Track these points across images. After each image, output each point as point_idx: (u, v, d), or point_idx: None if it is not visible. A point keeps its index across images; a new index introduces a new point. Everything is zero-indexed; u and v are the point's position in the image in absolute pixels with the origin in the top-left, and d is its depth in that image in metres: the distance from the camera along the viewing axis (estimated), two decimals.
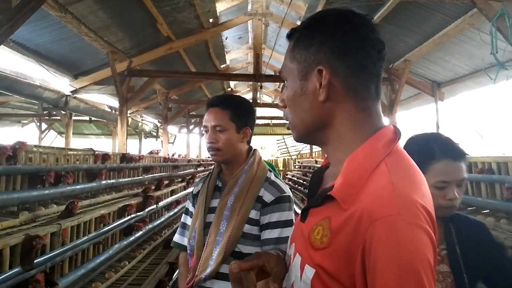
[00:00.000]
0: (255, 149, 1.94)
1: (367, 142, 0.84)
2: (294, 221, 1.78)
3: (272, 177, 1.84)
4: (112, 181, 4.60)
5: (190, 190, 5.06)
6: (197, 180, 3.28)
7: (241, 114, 1.88)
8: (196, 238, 1.78)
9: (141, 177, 5.72)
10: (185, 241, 1.95)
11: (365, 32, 0.86)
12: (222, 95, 2.03)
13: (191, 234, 1.84)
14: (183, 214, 2.05)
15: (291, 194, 1.83)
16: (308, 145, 20.44)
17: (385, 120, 0.91)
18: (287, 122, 0.96)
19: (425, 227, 0.72)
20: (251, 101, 14.14)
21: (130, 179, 5.25)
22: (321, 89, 0.85)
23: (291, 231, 1.71)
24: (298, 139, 0.96)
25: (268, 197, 1.74)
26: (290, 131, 0.96)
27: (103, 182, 4.35)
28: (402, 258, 0.68)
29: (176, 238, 2.03)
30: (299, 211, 1.79)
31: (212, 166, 2.02)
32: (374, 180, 0.78)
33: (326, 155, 1.00)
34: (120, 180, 4.87)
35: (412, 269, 0.68)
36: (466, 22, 5.88)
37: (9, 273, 2.24)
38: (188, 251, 1.85)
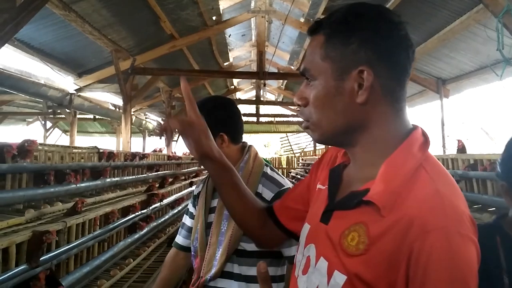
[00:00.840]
0: (250, 145, 1.89)
1: (403, 146, 0.82)
2: None
3: (269, 171, 1.81)
4: (116, 179, 4.61)
5: (193, 188, 5.07)
6: (200, 178, 3.27)
7: (210, 125, 1.76)
8: (199, 239, 1.77)
9: (145, 175, 5.73)
10: (185, 243, 1.95)
11: (405, 32, 0.84)
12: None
13: (193, 236, 1.82)
14: (185, 215, 2.04)
15: (290, 185, 1.78)
16: (312, 143, 20.46)
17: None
18: (306, 121, 0.91)
19: (474, 238, 0.72)
20: (254, 98, 14.20)
21: (134, 177, 5.26)
22: (361, 90, 0.81)
23: None
24: (321, 140, 0.91)
25: (267, 194, 1.71)
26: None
27: (108, 180, 4.36)
28: (456, 271, 0.68)
29: (178, 239, 2.02)
30: None
31: None
32: (418, 188, 0.76)
33: (343, 152, 0.97)
34: (125, 178, 4.88)
35: (464, 283, 0.68)
36: (471, 18, 5.85)
37: (15, 271, 2.24)
38: (192, 253, 1.84)
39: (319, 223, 0.90)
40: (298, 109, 0.93)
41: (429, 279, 0.68)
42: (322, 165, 1.09)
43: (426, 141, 0.84)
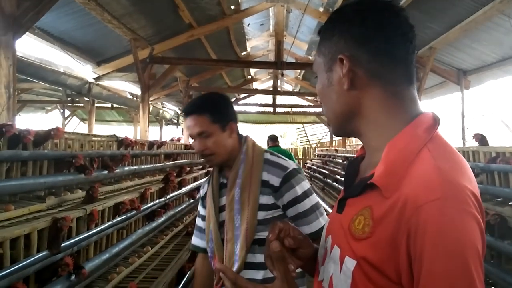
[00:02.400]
0: (245, 136, 1.89)
1: (406, 128, 0.82)
2: (311, 188, 1.78)
3: (269, 156, 1.80)
4: (134, 167, 4.65)
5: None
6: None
7: (220, 112, 1.81)
8: (214, 240, 1.77)
9: (163, 163, 5.76)
10: (202, 244, 1.95)
11: (385, 17, 0.85)
12: (193, 101, 1.93)
13: (208, 237, 1.82)
14: (197, 218, 2.05)
15: (295, 165, 1.78)
16: (328, 134, 20.37)
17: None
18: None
19: (474, 213, 0.70)
20: (271, 89, 14.19)
21: (152, 165, 5.29)
22: (343, 77, 0.86)
23: (312, 199, 1.72)
24: (335, 132, 0.97)
25: (274, 180, 1.71)
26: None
27: (126, 168, 4.40)
28: (450, 246, 0.66)
29: (194, 240, 2.02)
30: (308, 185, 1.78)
31: None
32: (418, 166, 0.76)
33: (361, 146, 0.98)
34: (143, 166, 4.92)
35: (460, 257, 0.66)
36: (495, 9, 5.72)
37: (37, 256, 2.27)
38: (209, 254, 1.84)
39: (336, 214, 0.92)
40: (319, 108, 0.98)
41: (425, 254, 0.67)
42: None
43: (434, 123, 0.84)
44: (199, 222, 2.01)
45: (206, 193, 1.93)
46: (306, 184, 1.76)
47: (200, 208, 2.02)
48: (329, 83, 0.89)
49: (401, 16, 0.86)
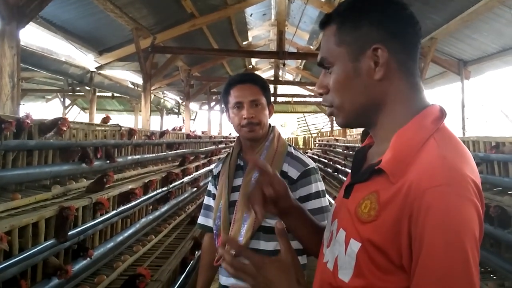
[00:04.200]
0: (273, 126, 1.94)
1: (416, 118, 0.85)
2: (325, 190, 1.81)
3: (293, 151, 1.85)
4: (137, 156, 4.68)
5: (212, 167, 5.11)
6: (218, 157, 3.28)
7: (267, 90, 1.91)
8: (222, 217, 1.79)
9: (165, 153, 5.80)
10: (209, 222, 1.96)
11: (409, 11, 0.89)
12: (247, 73, 2.01)
13: (216, 215, 1.84)
14: (206, 196, 2.06)
15: (314, 165, 1.83)
16: (329, 123, 20.36)
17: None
18: (330, 107, 0.95)
19: (475, 201, 0.73)
20: (272, 78, 14.14)
21: (155, 155, 5.33)
22: (378, 67, 0.86)
23: (323, 201, 1.74)
24: (346, 123, 0.96)
25: (293, 173, 1.75)
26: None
27: (129, 157, 4.44)
28: (450, 229, 0.69)
29: (201, 219, 2.04)
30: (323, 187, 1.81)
31: (233, 144, 2.03)
32: (424, 154, 0.79)
33: (369, 135, 1.00)
34: (145, 155, 4.95)
35: (458, 241, 0.69)
36: (496, 0, 5.70)
37: (45, 244, 2.31)
38: (214, 231, 1.86)
39: (342, 199, 0.95)
40: (321, 98, 0.99)
41: (425, 237, 0.70)
42: None
43: (441, 115, 0.87)
44: (208, 201, 2.02)
45: (219, 172, 1.96)
46: (321, 185, 1.79)
47: (210, 187, 2.03)
48: (356, 73, 0.88)
49: (413, 12, 0.90)
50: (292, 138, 25.16)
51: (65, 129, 2.96)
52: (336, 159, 10.47)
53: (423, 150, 0.80)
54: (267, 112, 1.87)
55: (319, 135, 23.02)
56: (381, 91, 0.88)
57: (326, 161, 11.43)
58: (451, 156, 0.78)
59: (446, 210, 0.70)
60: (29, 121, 2.69)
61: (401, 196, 0.76)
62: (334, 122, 1.08)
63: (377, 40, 0.86)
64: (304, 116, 25.05)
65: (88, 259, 2.77)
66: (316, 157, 13.29)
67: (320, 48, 0.97)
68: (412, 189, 0.74)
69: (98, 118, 10.89)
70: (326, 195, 1.82)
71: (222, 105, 2.00)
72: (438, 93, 11.72)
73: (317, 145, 17.48)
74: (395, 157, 0.82)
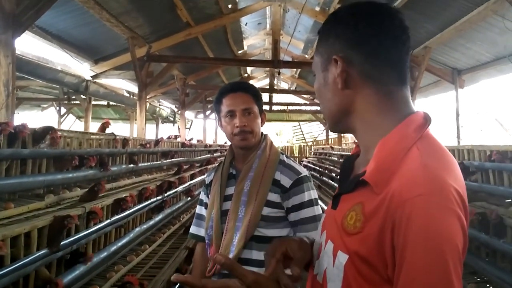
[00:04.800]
0: (265, 134, 1.94)
1: (398, 127, 0.85)
2: (318, 199, 1.80)
3: (286, 159, 1.85)
4: (132, 165, 4.66)
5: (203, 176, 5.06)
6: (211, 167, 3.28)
7: (259, 99, 1.91)
8: (214, 227, 1.78)
9: (160, 161, 5.79)
10: (201, 232, 1.95)
11: (378, 20, 0.88)
12: (239, 82, 2.02)
13: (208, 224, 1.84)
14: (198, 206, 2.05)
15: (307, 173, 1.83)
16: (324, 132, 20.39)
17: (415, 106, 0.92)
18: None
19: (457, 211, 0.72)
20: (268, 87, 14.17)
21: (149, 163, 5.31)
22: (338, 77, 0.89)
23: (315, 210, 1.74)
24: (331, 128, 1.01)
25: (286, 181, 1.74)
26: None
27: (124, 166, 4.42)
28: (431, 241, 0.68)
29: (193, 229, 2.02)
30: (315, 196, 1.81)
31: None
32: (406, 163, 0.78)
33: (357, 143, 1.01)
34: (140, 164, 4.94)
35: (439, 253, 0.68)
36: (489, 9, 5.76)
37: (37, 254, 2.29)
38: (206, 241, 1.85)
39: (330, 210, 0.95)
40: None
41: (406, 249, 0.69)
42: None
43: (425, 122, 0.86)
44: (200, 210, 2.01)
45: (211, 181, 1.95)
46: (314, 193, 1.79)
47: (203, 196, 2.03)
48: (325, 82, 0.93)
49: (396, 19, 0.88)
50: (288, 146, 25.16)
51: (58, 141, 2.96)
52: (331, 167, 10.47)
53: (406, 159, 0.79)
54: (259, 120, 1.87)
55: (314, 143, 23.04)
56: (347, 100, 0.91)
57: (321, 169, 11.43)
58: (433, 164, 0.77)
59: (427, 221, 0.69)
60: (26, 131, 2.69)
61: (384, 206, 0.75)
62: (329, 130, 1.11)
63: (338, 51, 0.89)
64: (300, 125, 25.07)
65: (86, 264, 2.76)
66: (311, 165, 13.29)
67: None
68: (394, 199, 0.73)
69: (93, 126, 10.90)
70: (320, 203, 1.82)
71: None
72: (432, 102, 11.78)
73: (312, 153, 17.49)
74: (378, 168, 0.81)
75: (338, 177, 1.03)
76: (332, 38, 0.91)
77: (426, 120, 0.87)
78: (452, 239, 0.70)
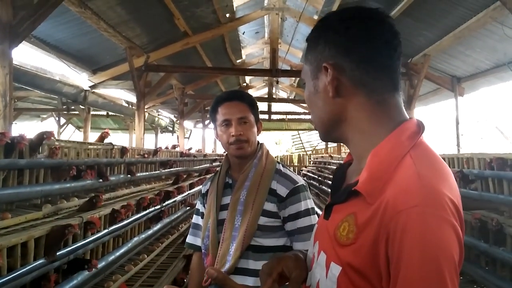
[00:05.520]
0: (261, 143, 1.93)
1: (390, 135, 0.83)
2: (315, 208, 1.79)
3: (282, 168, 1.84)
4: (129, 175, 4.64)
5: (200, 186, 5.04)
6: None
7: (255, 108, 1.91)
8: (210, 236, 1.77)
9: (159, 171, 5.77)
10: (198, 242, 1.93)
11: (368, 25, 0.86)
12: (235, 90, 2.02)
13: (204, 234, 1.83)
14: (194, 215, 2.04)
15: (304, 182, 1.82)
16: (323, 141, 20.38)
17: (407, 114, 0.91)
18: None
19: (452, 221, 0.70)
20: (266, 96, 14.21)
21: (148, 173, 5.30)
22: (328, 85, 0.87)
23: (312, 219, 1.72)
24: (322, 138, 0.99)
25: (282, 190, 1.74)
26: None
27: (122, 176, 4.40)
28: (427, 253, 0.67)
29: (189, 239, 2.02)
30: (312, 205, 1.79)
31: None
32: (400, 173, 0.77)
33: (349, 152, 0.99)
34: (138, 174, 4.92)
35: (434, 265, 0.67)
36: (488, 16, 5.78)
37: (34, 265, 2.27)
38: (203, 251, 1.84)
39: (323, 220, 0.93)
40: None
41: (402, 258, 0.68)
42: None
43: (418, 130, 0.85)
44: (197, 219, 2.00)
45: (207, 190, 1.94)
46: (311, 203, 1.78)
47: (199, 205, 2.02)
48: (315, 90, 0.91)
49: (386, 24, 0.86)
50: (287, 155, 25.16)
51: (58, 153, 2.96)
52: (330, 176, 10.45)
53: (399, 168, 0.77)
54: (255, 129, 1.87)
55: (313, 152, 23.04)
56: (339, 108, 0.88)
57: (320, 178, 11.41)
58: (428, 174, 0.75)
59: (422, 232, 0.68)
60: (25, 142, 2.69)
61: (377, 217, 0.73)
62: None
63: (328, 59, 0.87)
64: (299, 134, 25.08)
65: (91, 271, 2.75)
66: (311, 174, 13.27)
67: None
68: (388, 209, 0.72)
69: (92, 137, 10.91)
70: (318, 212, 1.81)
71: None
72: (432, 110, 11.81)
73: (311, 162, 17.48)
74: (371, 177, 0.79)
75: (331, 186, 1.00)
76: (321, 45, 0.89)
77: (420, 127, 0.86)
78: (448, 250, 0.68)
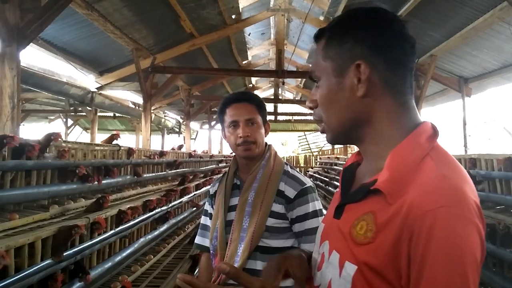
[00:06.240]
0: (269, 144, 1.94)
1: (410, 136, 0.84)
2: (322, 210, 1.78)
3: (290, 170, 1.85)
4: (135, 177, 4.66)
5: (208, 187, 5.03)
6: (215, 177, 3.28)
7: (263, 109, 1.91)
8: (218, 237, 1.78)
9: (165, 172, 5.78)
10: (206, 242, 1.94)
11: (398, 27, 0.87)
12: (242, 92, 2.03)
13: (212, 234, 1.84)
14: (203, 216, 2.05)
15: (311, 183, 1.83)
16: (331, 144, 20.34)
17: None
18: (321, 122, 0.95)
19: (477, 223, 0.71)
20: (272, 97, 14.22)
21: (154, 174, 5.31)
22: (360, 84, 0.85)
23: (320, 221, 1.72)
24: (333, 139, 0.95)
25: (290, 192, 1.74)
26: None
27: (128, 177, 4.42)
28: (453, 254, 0.68)
29: (198, 239, 2.03)
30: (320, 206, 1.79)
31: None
32: (423, 173, 0.77)
33: (353, 152, 1.00)
34: (145, 175, 4.94)
35: (460, 265, 0.67)
36: (495, 16, 5.75)
37: (41, 265, 2.29)
38: (211, 251, 1.85)
39: (332, 219, 0.92)
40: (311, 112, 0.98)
41: (427, 258, 0.68)
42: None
43: (434, 133, 0.86)
44: (205, 220, 2.01)
45: (216, 191, 1.95)
46: (318, 204, 1.78)
47: (207, 206, 2.03)
48: (339, 88, 0.88)
49: (407, 28, 0.88)
50: (293, 156, 25.13)
51: (66, 155, 2.99)
52: (337, 177, 10.43)
53: (421, 170, 0.78)
54: (263, 131, 1.87)
55: (320, 153, 23.00)
56: (365, 108, 0.87)
57: (327, 179, 11.40)
58: (451, 175, 0.76)
59: (449, 233, 0.68)
60: (35, 152, 2.72)
61: (400, 217, 0.73)
62: None
63: (360, 57, 0.85)
64: (305, 135, 25.04)
65: (85, 284, 2.75)
66: (317, 175, 13.25)
67: (311, 63, 0.97)
68: (413, 210, 0.72)
69: (100, 138, 10.97)
70: (323, 216, 1.81)
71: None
72: (439, 111, 11.76)
73: (318, 163, 17.45)
74: (393, 177, 0.79)
75: (340, 186, 0.98)
76: (349, 42, 0.87)
77: (435, 131, 0.86)
78: (473, 252, 0.69)
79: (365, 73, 0.84)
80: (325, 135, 0.96)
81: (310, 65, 0.98)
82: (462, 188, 0.74)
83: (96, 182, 3.50)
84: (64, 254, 2.47)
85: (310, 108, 0.96)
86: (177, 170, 6.23)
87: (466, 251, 0.68)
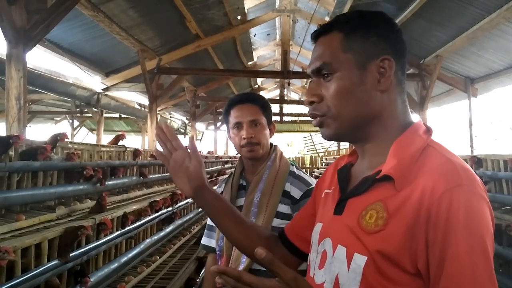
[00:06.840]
0: (275, 145, 1.94)
1: (409, 129, 0.89)
2: None
3: (295, 170, 1.84)
4: (141, 178, 4.67)
5: (216, 187, 5.02)
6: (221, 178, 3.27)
7: (268, 110, 1.90)
8: (225, 238, 1.78)
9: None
10: (212, 243, 1.94)
11: (400, 32, 0.93)
12: (247, 93, 2.02)
13: (218, 235, 1.84)
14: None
15: None
16: (336, 143, 20.31)
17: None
18: (321, 116, 0.92)
19: (486, 198, 0.76)
20: (278, 98, 14.21)
21: (160, 175, 5.32)
22: (383, 78, 0.88)
23: None
24: (337, 133, 0.93)
25: (296, 192, 1.74)
26: (317, 129, 0.94)
27: (134, 178, 4.43)
28: (473, 228, 0.71)
29: (204, 240, 2.02)
30: None
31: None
32: (429, 160, 0.81)
33: (344, 154, 1.01)
34: (151, 176, 4.95)
35: (480, 238, 0.71)
36: (501, 16, 5.72)
37: (47, 265, 2.30)
38: (217, 252, 1.85)
39: (333, 216, 0.93)
40: (310, 106, 0.95)
41: (449, 237, 0.71)
42: (325, 179, 1.10)
43: (428, 130, 0.90)
44: (211, 221, 2.01)
45: (222, 192, 1.95)
46: None
47: None
48: (361, 81, 0.88)
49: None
50: (299, 157, 25.10)
51: (75, 158, 3.01)
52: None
53: (426, 157, 0.82)
54: (267, 131, 1.87)
55: (325, 154, 22.96)
56: (380, 103, 0.89)
57: None
58: (456, 159, 0.81)
59: (467, 210, 0.72)
60: (48, 154, 2.74)
61: (412, 202, 0.76)
62: None
63: (385, 53, 0.89)
64: (311, 135, 25.01)
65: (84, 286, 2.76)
66: None
67: (318, 55, 0.94)
68: (427, 193, 0.75)
69: (105, 139, 11.01)
70: None
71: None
72: (445, 111, 11.73)
73: (324, 164, 17.42)
74: (400, 164, 0.82)
75: (339, 184, 0.98)
76: (374, 37, 0.89)
77: (428, 128, 0.91)
78: (489, 227, 0.74)
79: (390, 68, 0.88)
80: (323, 128, 0.93)
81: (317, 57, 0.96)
82: (469, 168, 0.79)
83: (101, 183, 3.52)
84: (71, 255, 2.48)
85: (311, 103, 0.93)
86: None
87: (484, 227, 0.73)
